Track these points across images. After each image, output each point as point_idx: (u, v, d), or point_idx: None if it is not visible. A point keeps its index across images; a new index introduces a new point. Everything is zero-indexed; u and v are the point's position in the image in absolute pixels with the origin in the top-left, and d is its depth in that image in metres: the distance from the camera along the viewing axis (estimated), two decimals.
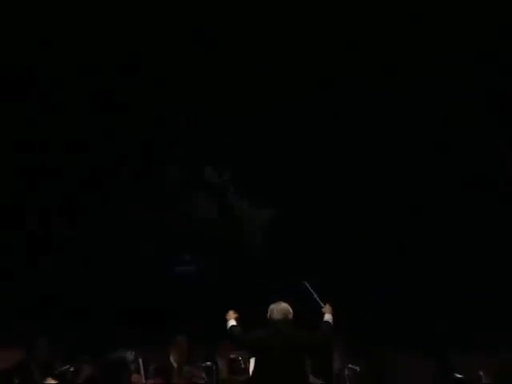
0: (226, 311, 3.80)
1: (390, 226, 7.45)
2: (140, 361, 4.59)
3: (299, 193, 7.36)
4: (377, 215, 7.38)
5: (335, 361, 4.23)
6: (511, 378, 5.00)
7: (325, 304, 3.76)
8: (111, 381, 4.27)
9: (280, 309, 3.55)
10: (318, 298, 3.73)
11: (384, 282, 6.93)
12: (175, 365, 4.51)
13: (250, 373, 3.66)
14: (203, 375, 4.53)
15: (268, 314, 3.57)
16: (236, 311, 3.70)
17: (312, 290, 3.76)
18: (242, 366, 4.34)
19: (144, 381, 4.48)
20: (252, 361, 3.74)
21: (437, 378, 5.78)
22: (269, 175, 7.19)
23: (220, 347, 4.67)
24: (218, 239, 7.00)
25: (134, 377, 4.54)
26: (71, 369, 4.58)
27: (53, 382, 4.51)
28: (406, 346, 6.01)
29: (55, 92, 7.05)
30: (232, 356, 4.57)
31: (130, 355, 4.47)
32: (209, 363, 4.63)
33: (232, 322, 3.65)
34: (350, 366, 4.29)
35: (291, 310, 3.59)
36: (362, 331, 6.11)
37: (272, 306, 3.57)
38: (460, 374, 5.19)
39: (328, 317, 3.74)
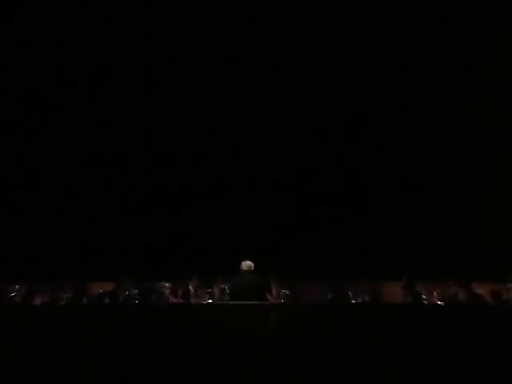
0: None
1: None
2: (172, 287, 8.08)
3: None
4: None
5: (274, 288, 7.27)
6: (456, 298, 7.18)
7: None
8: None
9: (245, 264, 6.69)
10: None
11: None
12: (192, 291, 7.89)
13: None
14: (207, 297, 7.75)
15: (240, 267, 6.70)
16: None
17: None
18: (227, 291, 7.59)
19: (175, 300, 7.99)
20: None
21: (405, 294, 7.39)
22: None
23: (216, 281, 7.75)
24: None
25: (170, 298, 8.12)
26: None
27: None
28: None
29: None
30: (222, 286, 7.63)
31: (165, 285, 8.01)
32: (209, 290, 7.64)
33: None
34: (283, 290, 7.38)
35: (252, 264, 6.70)
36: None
37: (242, 262, 6.72)
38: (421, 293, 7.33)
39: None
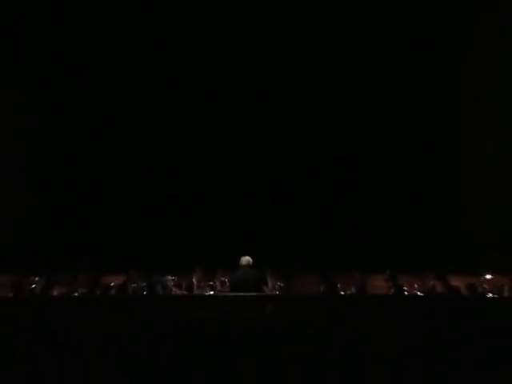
0: None
1: None
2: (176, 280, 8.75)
3: None
4: None
5: (270, 281, 7.87)
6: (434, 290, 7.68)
7: None
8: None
9: (244, 259, 7.47)
10: None
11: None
12: (196, 283, 8.51)
13: None
14: (209, 289, 8.31)
15: (239, 262, 7.45)
16: None
17: None
18: (227, 284, 8.23)
19: (179, 291, 8.68)
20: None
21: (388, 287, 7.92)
22: None
23: (217, 273, 8.39)
24: None
25: (174, 290, 8.82)
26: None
27: None
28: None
29: None
30: (222, 279, 8.31)
31: (170, 278, 8.69)
32: (211, 282, 8.32)
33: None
34: (277, 283, 8.06)
35: (251, 259, 7.48)
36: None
37: (241, 258, 7.47)
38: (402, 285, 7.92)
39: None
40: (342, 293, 7.96)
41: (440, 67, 10.30)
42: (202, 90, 10.50)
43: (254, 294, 6.73)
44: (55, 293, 7.60)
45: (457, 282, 7.91)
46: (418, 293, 7.97)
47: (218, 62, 10.42)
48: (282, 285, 8.06)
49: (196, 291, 8.14)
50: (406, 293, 7.94)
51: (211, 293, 8.07)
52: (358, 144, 10.37)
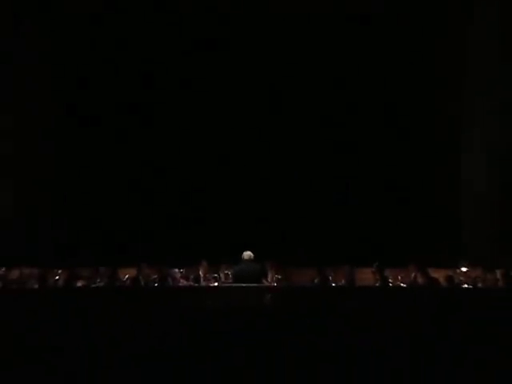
0: None
1: None
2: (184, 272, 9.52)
3: None
4: None
5: (269, 273, 8.63)
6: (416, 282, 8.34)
7: None
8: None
9: (246, 254, 7.84)
10: None
11: None
12: (202, 275, 9.35)
13: None
14: (213, 280, 9.10)
15: (242, 256, 7.90)
16: None
17: None
18: (230, 276, 8.95)
19: (185, 282, 9.47)
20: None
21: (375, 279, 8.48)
22: None
23: (221, 267, 9.18)
24: None
25: (182, 281, 9.62)
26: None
27: None
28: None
29: None
30: (226, 272, 9.07)
31: (178, 271, 9.52)
32: (216, 275, 9.04)
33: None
34: (276, 276, 8.90)
35: (252, 254, 7.83)
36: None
37: (243, 252, 7.87)
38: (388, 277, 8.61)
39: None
40: (334, 284, 8.75)
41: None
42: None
43: (255, 285, 7.32)
44: (77, 284, 8.36)
45: (436, 274, 8.71)
46: (402, 284, 8.81)
47: None
48: (280, 277, 8.87)
49: (202, 283, 8.85)
50: (390, 284, 8.74)
51: (216, 284, 8.75)
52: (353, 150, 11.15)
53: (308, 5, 11.01)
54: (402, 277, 8.81)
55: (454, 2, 10.87)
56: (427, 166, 11.05)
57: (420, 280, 8.58)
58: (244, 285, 7.17)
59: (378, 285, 8.51)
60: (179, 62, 11.36)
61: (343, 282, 8.79)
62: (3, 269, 8.86)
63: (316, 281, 8.73)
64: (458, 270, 8.86)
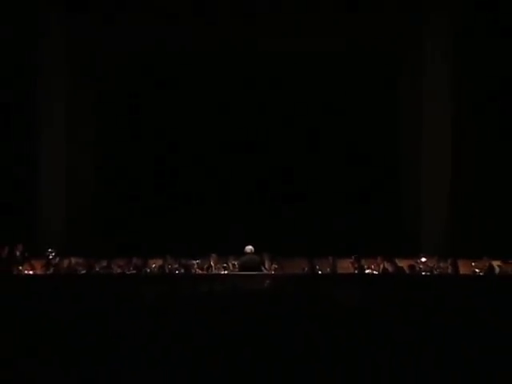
0: None
1: None
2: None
3: None
4: None
5: (267, 263, 11.07)
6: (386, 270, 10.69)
7: None
8: None
9: (248, 247, 9.65)
10: None
11: None
12: (213, 265, 11.11)
13: None
14: (223, 269, 10.85)
15: (245, 249, 9.83)
16: None
17: None
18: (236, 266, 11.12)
19: (201, 271, 11.55)
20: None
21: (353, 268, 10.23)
22: None
23: (229, 258, 10.84)
24: None
25: (197, 270, 11.72)
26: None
27: None
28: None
29: None
30: (233, 262, 10.61)
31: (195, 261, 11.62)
32: (225, 264, 10.59)
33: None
34: (273, 265, 11.02)
35: (253, 248, 9.65)
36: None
37: (246, 246, 9.78)
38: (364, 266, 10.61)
39: None
40: (320, 272, 10.78)
41: None
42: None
43: (256, 273, 9.08)
44: (114, 271, 10.47)
45: (401, 263, 10.82)
46: (375, 272, 10.93)
47: None
48: (276, 266, 10.94)
49: (214, 271, 10.71)
50: (366, 272, 10.83)
51: (225, 272, 10.52)
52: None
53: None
54: (374, 265, 10.83)
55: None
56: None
57: (390, 269, 10.65)
58: (247, 273, 8.97)
59: (356, 272, 10.59)
60: None
61: (328, 270, 10.76)
62: (57, 258, 10.86)
63: (306, 269, 10.78)
64: (418, 260, 10.88)
